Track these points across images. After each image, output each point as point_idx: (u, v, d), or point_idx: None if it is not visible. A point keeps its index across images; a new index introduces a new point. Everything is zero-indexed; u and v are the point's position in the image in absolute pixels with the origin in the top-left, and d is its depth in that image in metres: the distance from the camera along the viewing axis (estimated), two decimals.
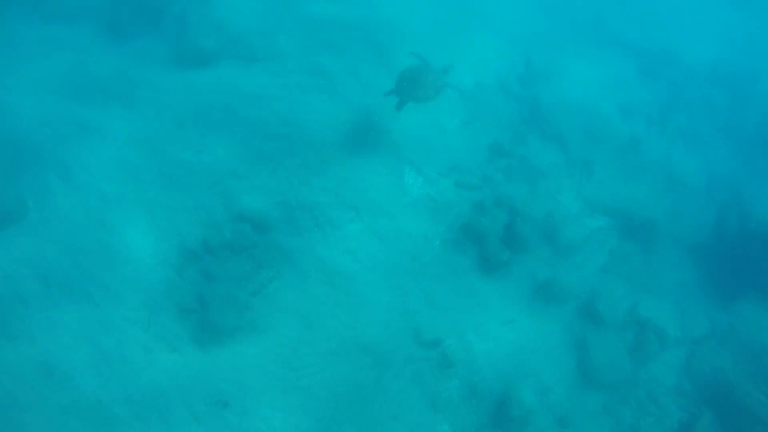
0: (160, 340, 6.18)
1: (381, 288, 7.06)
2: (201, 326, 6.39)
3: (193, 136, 7.89)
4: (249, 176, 7.66)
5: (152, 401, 5.77)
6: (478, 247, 7.85)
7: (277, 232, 7.31)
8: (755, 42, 13.24)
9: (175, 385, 5.92)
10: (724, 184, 9.74)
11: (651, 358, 7.23)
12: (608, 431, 6.67)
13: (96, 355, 5.93)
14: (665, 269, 8.47)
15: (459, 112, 9.56)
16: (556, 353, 7.22)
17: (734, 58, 12.50)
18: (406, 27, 10.32)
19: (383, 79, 9.44)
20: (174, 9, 9.35)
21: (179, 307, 6.52)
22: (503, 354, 7.01)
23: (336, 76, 9.02)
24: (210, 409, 5.84)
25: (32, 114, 7.76)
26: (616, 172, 9.51)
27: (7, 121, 7.59)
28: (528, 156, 9.22)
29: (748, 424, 6.55)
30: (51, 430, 5.36)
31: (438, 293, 7.25)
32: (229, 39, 9.04)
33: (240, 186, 7.57)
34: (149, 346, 6.09)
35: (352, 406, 6.12)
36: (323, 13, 9.88)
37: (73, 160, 7.41)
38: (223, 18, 9.25)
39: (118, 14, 9.19)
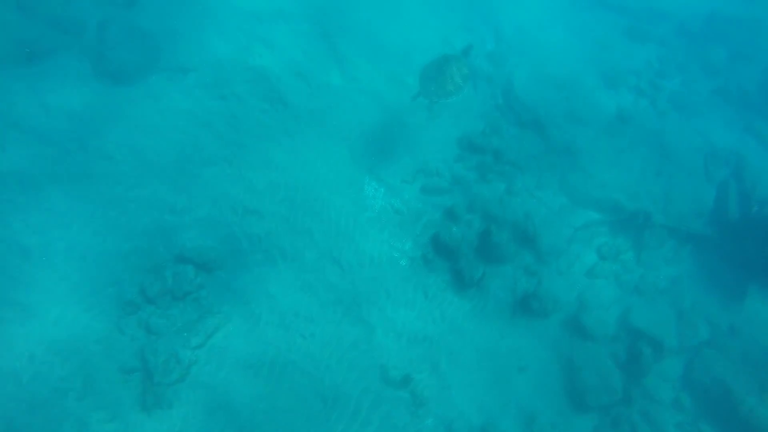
0: (97, 409, 5.74)
1: (342, 324, 6.57)
2: (144, 388, 5.95)
3: (124, 168, 7.25)
4: (189, 209, 7.07)
5: None
6: (449, 261, 7.33)
7: (223, 271, 6.78)
8: None
9: None
10: (723, 160, 9.06)
11: (645, 372, 6.78)
12: None
13: None
14: (659, 265, 7.94)
15: (421, 105, 8.80)
16: (541, 375, 6.79)
17: (731, 6, 11.52)
18: (357, 11, 9.47)
19: (335, 77, 8.71)
20: (93, 19, 8.51)
21: (120, 367, 6.07)
22: (483, 383, 6.57)
23: (280, 80, 8.27)
24: None
25: None
26: (602, 158, 8.84)
27: None
28: (503, 149, 8.55)
29: None
30: None
31: (406, 322, 6.77)
32: (156, 49, 8.25)
33: (179, 221, 6.99)
34: (85, 419, 5.66)
35: None
36: (263, 6, 9.05)
37: None
38: (148, 25, 8.44)
39: (28, 30, 8.35)
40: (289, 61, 8.64)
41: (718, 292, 7.53)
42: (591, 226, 8.11)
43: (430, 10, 10.18)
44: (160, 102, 7.87)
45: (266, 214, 7.19)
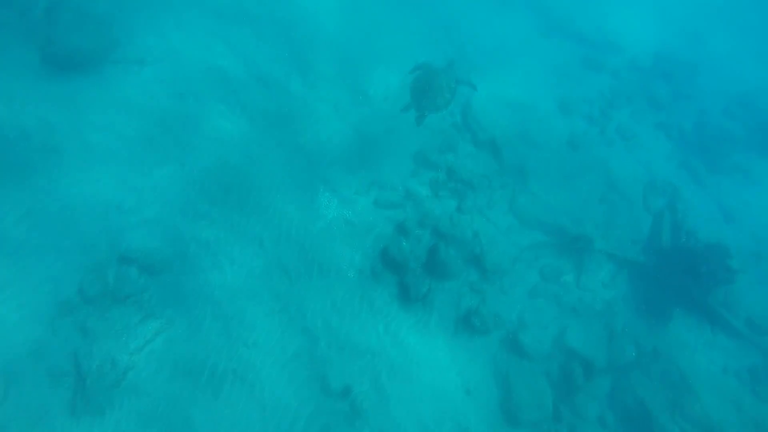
0: (18, 415, 5.59)
1: (286, 335, 6.66)
2: (75, 393, 5.84)
3: (71, 163, 7.07)
4: (137, 209, 6.99)
5: None
6: (397, 275, 7.53)
7: (168, 274, 6.74)
8: (697, 31, 13.16)
9: None
10: (661, 191, 9.72)
11: (576, 391, 7.20)
12: None
13: None
14: (596, 288, 8.43)
15: (380, 116, 9.04)
16: (478, 391, 7.09)
17: (677, 47, 12.38)
18: (322, 20, 9.58)
19: (296, 84, 8.79)
20: (41, 1, 8.24)
21: (49, 370, 5.93)
22: (421, 397, 6.80)
23: (239, 82, 8.27)
24: None
25: None
26: (551, 182, 9.29)
27: None
28: (456, 167, 8.85)
29: None
30: None
31: (351, 334, 6.92)
32: (111, 38, 8.08)
33: (126, 221, 6.90)
34: (3, 425, 5.50)
35: None
36: (227, 5, 9.01)
37: None
38: (104, 11, 8.26)
39: None
40: (250, 63, 8.65)
41: (647, 316, 8.09)
42: (536, 248, 8.52)
43: (395, 24, 10.41)
44: (113, 95, 7.72)
45: (217, 218, 7.18)
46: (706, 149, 10.84)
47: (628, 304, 8.31)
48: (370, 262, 7.56)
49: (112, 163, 7.17)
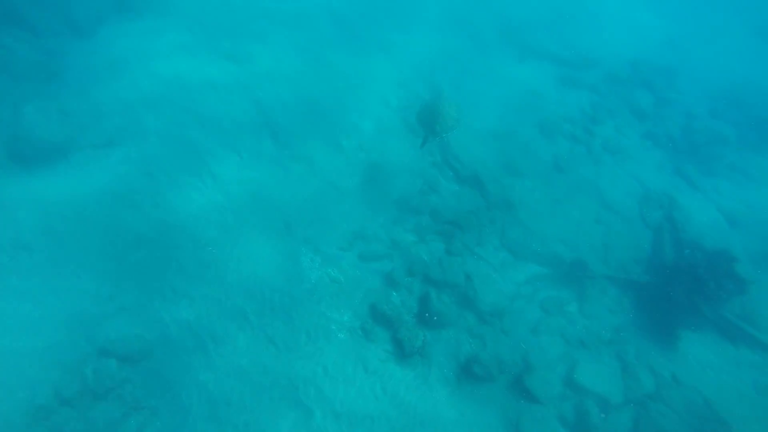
0: None
1: (279, 409, 6.42)
2: None
3: (40, 259, 7.06)
4: (114, 297, 6.91)
5: None
6: (390, 330, 7.34)
7: (150, 360, 6.59)
8: (669, 36, 13.25)
9: None
10: (657, 203, 9.53)
11: (593, 430, 6.83)
12: None
13: None
14: (603, 315, 8.15)
15: (356, 166, 9.03)
16: None
17: (652, 55, 12.44)
18: (288, 77, 9.74)
19: (268, 146, 8.85)
20: (10, 97, 8.45)
21: None
22: None
23: (209, 152, 8.34)
24: None
25: None
26: (540, 210, 9.16)
27: None
28: (441, 207, 8.77)
29: None
30: None
31: (346, 400, 6.67)
32: (78, 126, 8.23)
33: (103, 311, 6.82)
34: None
35: None
36: (192, 76, 9.20)
37: None
38: (70, 101, 8.45)
39: None
40: (220, 132, 8.74)
41: (658, 339, 7.76)
42: (534, 281, 8.31)
43: (360, 72, 10.55)
44: (81, 183, 7.78)
45: (196, 296, 7.09)
46: (698, 153, 10.71)
47: (637, 328, 8.01)
48: (360, 320, 7.39)
49: (84, 252, 7.14)
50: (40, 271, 6.94)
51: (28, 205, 7.43)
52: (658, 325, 7.84)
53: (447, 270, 7.90)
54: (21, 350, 6.32)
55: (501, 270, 8.34)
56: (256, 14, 11.06)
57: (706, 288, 7.75)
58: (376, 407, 6.71)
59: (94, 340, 6.59)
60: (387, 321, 7.34)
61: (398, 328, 7.28)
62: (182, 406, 6.33)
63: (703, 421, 6.66)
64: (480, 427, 6.84)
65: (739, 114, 11.39)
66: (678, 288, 7.86)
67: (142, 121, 8.53)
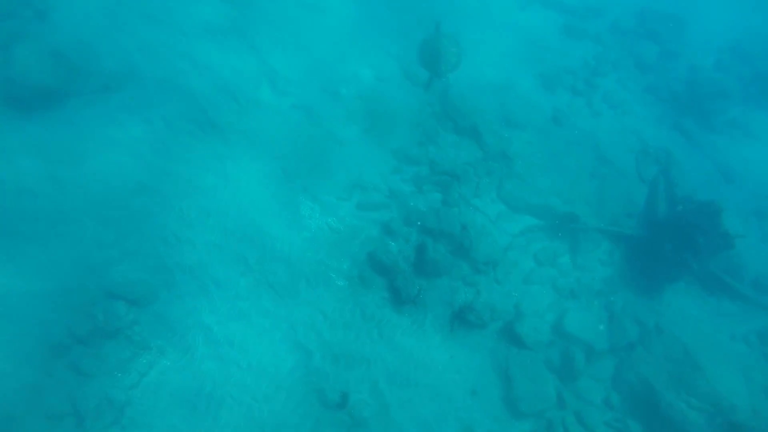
0: None
1: (279, 353, 6.79)
2: None
3: (45, 203, 7.19)
4: (117, 243, 7.10)
5: None
6: (387, 279, 7.62)
7: (156, 304, 6.88)
8: None
9: None
10: (654, 158, 9.64)
11: (578, 376, 7.28)
12: None
13: None
14: (594, 267, 8.45)
15: (357, 116, 9.03)
16: (479, 386, 7.19)
17: (660, 4, 12.10)
18: (286, 22, 9.55)
19: (266, 93, 8.80)
20: None
21: (48, 413, 6.12)
22: (421, 399, 6.93)
23: (207, 99, 8.30)
24: None
25: None
26: (537, 162, 9.26)
27: None
28: (439, 158, 8.86)
29: None
30: None
31: (344, 344, 7.04)
32: (72, 69, 8.12)
33: (108, 256, 7.03)
34: None
35: None
36: (187, 20, 9.00)
37: None
38: (63, 42, 8.29)
39: None
40: (217, 78, 8.67)
41: (645, 291, 8.10)
42: (528, 233, 8.53)
43: (359, 18, 10.32)
44: (80, 129, 7.80)
45: (198, 242, 7.29)
46: (699, 108, 10.70)
47: (626, 280, 8.33)
48: (358, 268, 7.65)
49: (87, 198, 7.27)
50: (44, 216, 7.08)
51: (30, 151, 7.48)
52: (647, 277, 8.16)
53: (443, 220, 8.09)
54: (33, 293, 6.57)
55: (496, 221, 8.56)
56: None
57: (695, 243, 7.99)
58: (372, 351, 7.08)
59: (102, 284, 6.83)
60: (384, 269, 7.59)
61: (395, 276, 7.55)
62: (188, 346, 6.67)
63: (679, 366, 7.09)
64: (472, 370, 7.27)
65: (745, 68, 11.28)
66: (668, 243, 8.11)
67: (138, 67, 8.42)
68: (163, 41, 8.77)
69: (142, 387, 6.33)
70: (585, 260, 8.49)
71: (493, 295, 7.83)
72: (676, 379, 6.99)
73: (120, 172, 7.52)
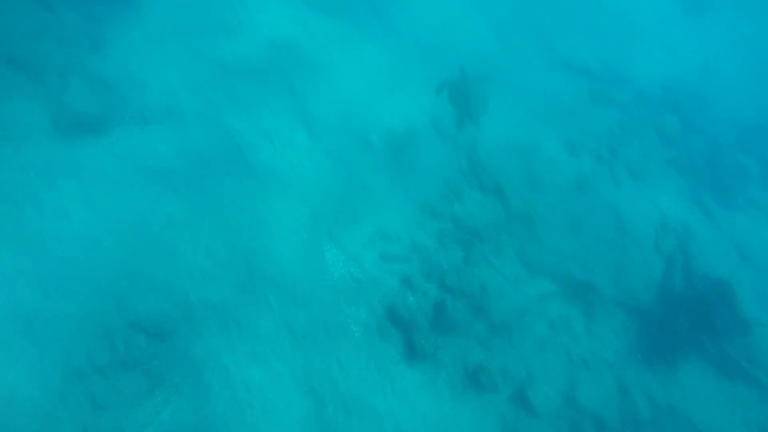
0: None
1: (293, 398, 6.83)
2: None
3: (79, 227, 7.38)
4: (144, 273, 7.25)
5: None
6: (404, 333, 7.70)
7: (176, 339, 6.97)
8: (707, 61, 13.24)
9: None
10: (673, 232, 9.78)
11: None
12: None
13: None
14: (608, 338, 8.49)
15: (384, 165, 9.26)
16: None
17: (686, 79, 12.48)
18: (324, 67, 9.89)
19: (301, 137, 9.07)
20: (56, 62, 8.62)
21: None
22: None
23: (243, 138, 8.57)
24: None
25: None
26: (559, 226, 9.42)
27: None
28: (463, 216, 9.04)
29: None
30: None
31: (358, 395, 7.08)
32: (120, 99, 8.44)
33: (134, 285, 7.16)
34: None
35: None
36: (232, 60, 9.36)
37: None
38: (114, 72, 8.64)
39: None
40: (254, 117, 8.95)
41: (659, 368, 8.12)
42: (545, 298, 8.62)
43: (392, 67, 10.67)
44: (121, 157, 8.05)
45: (223, 280, 7.43)
46: (719, 185, 10.89)
47: (640, 354, 8.35)
48: (376, 319, 7.74)
49: (120, 226, 7.46)
50: (78, 240, 7.26)
51: (71, 174, 7.71)
52: (660, 353, 8.19)
53: (464, 279, 8.21)
54: (59, 316, 6.69)
55: (515, 283, 8.65)
56: None
57: (711, 324, 8.05)
58: (384, 405, 7.11)
59: (125, 313, 6.96)
60: (402, 323, 7.69)
61: (412, 331, 7.63)
62: (203, 385, 6.73)
63: None
64: None
65: (766, 149, 11.51)
66: (683, 319, 8.17)
67: (181, 102, 8.73)
68: (207, 78, 9.10)
69: (155, 426, 6.36)
70: (599, 330, 8.54)
71: (506, 359, 7.87)
72: None
73: (153, 204, 7.72)
